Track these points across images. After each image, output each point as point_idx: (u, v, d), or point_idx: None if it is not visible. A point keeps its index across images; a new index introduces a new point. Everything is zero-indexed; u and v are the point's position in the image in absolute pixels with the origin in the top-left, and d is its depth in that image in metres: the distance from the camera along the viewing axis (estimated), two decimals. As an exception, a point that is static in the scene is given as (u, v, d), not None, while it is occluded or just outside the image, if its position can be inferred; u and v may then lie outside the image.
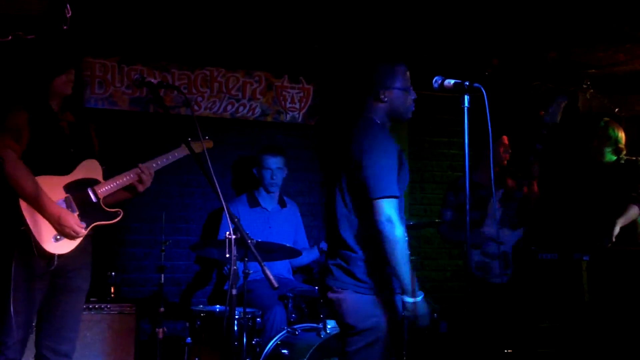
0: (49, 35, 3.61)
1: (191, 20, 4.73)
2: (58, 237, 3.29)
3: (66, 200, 3.35)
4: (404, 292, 2.87)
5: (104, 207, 3.47)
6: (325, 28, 4.92)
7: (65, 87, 3.45)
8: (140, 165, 3.58)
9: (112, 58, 5.04)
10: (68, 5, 3.82)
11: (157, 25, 4.81)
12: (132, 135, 5.03)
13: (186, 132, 3.21)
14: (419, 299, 2.87)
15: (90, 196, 3.44)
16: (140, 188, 3.59)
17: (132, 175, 3.55)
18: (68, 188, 3.38)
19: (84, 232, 3.34)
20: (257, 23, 4.79)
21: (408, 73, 3.09)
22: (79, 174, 3.43)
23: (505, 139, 5.04)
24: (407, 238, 2.89)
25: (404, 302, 2.89)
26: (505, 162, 5.04)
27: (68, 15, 3.84)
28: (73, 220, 3.30)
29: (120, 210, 3.50)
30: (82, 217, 3.37)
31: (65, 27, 3.85)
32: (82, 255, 3.45)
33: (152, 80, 3.07)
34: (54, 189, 3.33)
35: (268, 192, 4.99)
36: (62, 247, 3.31)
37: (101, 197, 3.46)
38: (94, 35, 4.81)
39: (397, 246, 2.82)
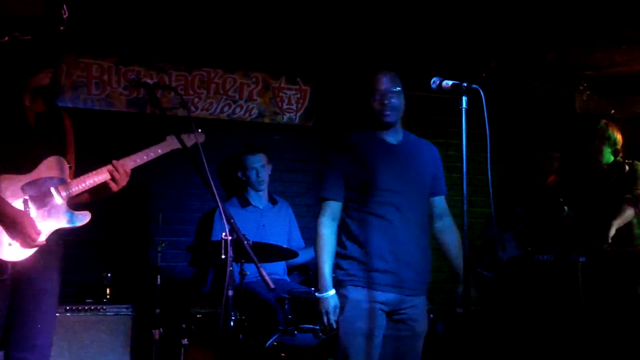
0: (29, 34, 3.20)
1: (189, 21, 4.72)
2: (11, 242, 2.91)
3: (24, 202, 2.97)
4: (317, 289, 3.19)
5: (69, 209, 3.10)
6: (323, 29, 4.91)
7: (42, 81, 3.12)
8: (113, 162, 3.17)
9: (109, 59, 5.02)
10: (65, 6, 3.81)
11: (154, 26, 4.80)
12: (130, 137, 4.99)
13: (183, 133, 3.19)
14: (325, 294, 3.13)
15: (53, 197, 3.06)
16: (114, 187, 3.17)
17: (103, 174, 3.15)
18: (28, 188, 3.00)
19: (41, 239, 2.97)
20: (255, 24, 4.79)
21: (383, 78, 3.21)
22: (41, 172, 3.05)
23: (551, 153, 5.22)
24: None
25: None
26: (553, 176, 5.24)
27: (65, 16, 3.81)
28: (29, 225, 2.91)
29: (88, 212, 3.13)
30: (42, 221, 3.00)
31: (62, 28, 3.82)
32: (47, 257, 3.06)
33: (148, 81, 3.01)
34: (10, 188, 2.95)
35: (257, 190, 5.00)
36: (17, 253, 2.93)
37: (65, 199, 3.08)
38: (90, 35, 4.81)
39: (316, 243, 3.19)
